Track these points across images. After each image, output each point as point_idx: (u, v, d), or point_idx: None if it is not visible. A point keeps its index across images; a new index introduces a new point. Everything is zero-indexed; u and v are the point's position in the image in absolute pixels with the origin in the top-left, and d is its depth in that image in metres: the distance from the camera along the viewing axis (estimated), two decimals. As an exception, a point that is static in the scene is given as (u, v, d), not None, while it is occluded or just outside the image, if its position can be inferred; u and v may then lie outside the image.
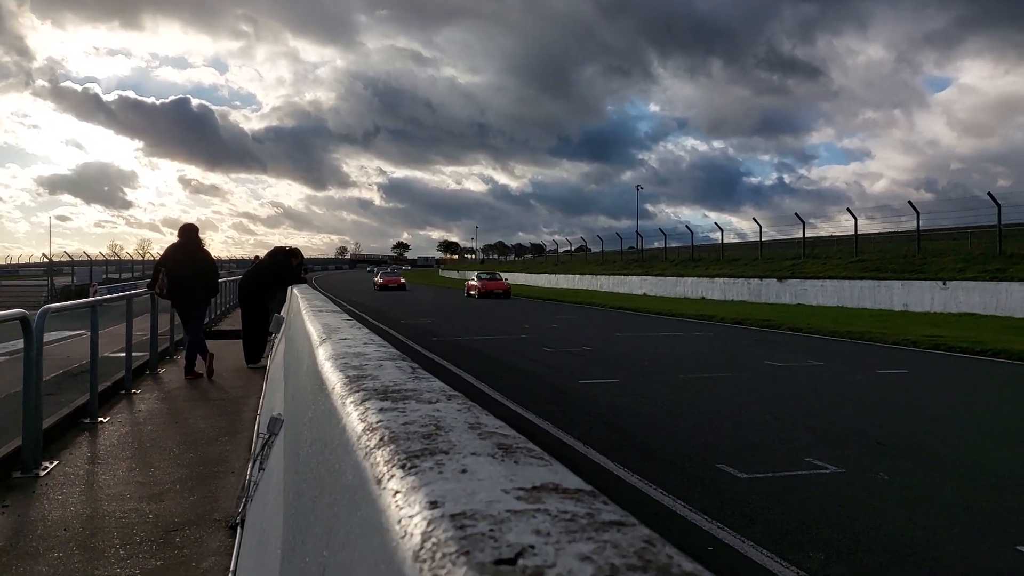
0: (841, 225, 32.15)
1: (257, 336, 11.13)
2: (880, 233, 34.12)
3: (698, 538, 4.36)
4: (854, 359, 13.10)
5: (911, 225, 28.48)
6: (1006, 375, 11.28)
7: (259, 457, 3.59)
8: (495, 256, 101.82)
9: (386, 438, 0.98)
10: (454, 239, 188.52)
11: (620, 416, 8.02)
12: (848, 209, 31.42)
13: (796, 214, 34.07)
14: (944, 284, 22.76)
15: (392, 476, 0.82)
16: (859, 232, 31.48)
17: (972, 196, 25.31)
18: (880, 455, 6.24)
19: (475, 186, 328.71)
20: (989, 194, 24.44)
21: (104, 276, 46.97)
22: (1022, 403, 9.17)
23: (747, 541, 4.24)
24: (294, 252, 12.76)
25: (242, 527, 3.83)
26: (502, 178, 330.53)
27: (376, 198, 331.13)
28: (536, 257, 77.18)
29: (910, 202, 28.18)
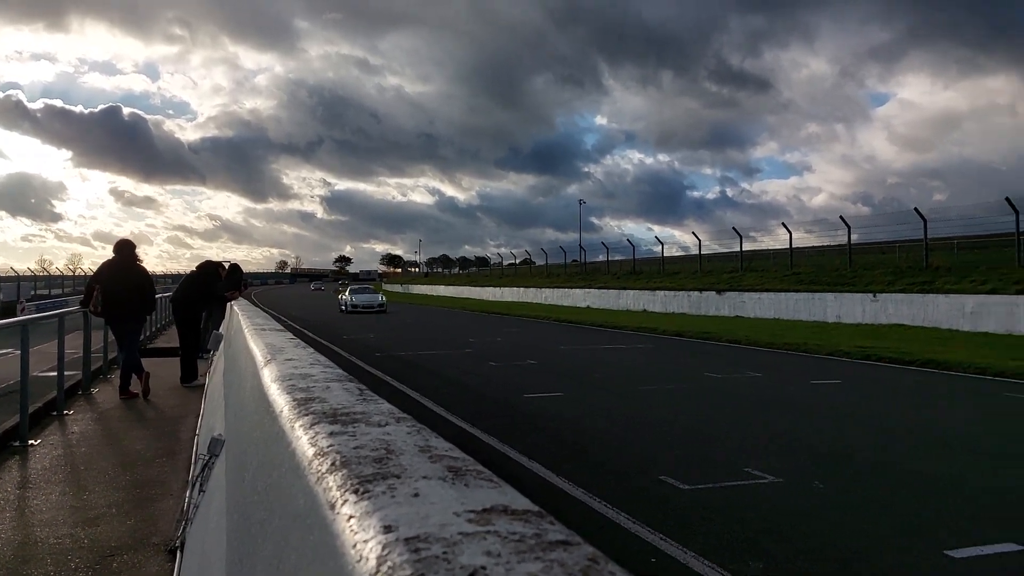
0: (780, 239, 33.01)
1: (190, 353, 10.91)
2: (814, 247, 35.17)
3: (641, 550, 4.43)
4: (790, 370, 13.47)
5: (846, 239, 29.42)
6: (932, 384, 11.74)
7: (199, 479, 3.53)
8: (439, 269, 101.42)
9: (338, 462, 1.00)
10: (398, 252, 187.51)
11: (565, 429, 8.09)
12: (783, 223, 32.31)
13: (734, 228, 34.89)
14: (874, 296, 23.56)
15: (346, 501, 0.85)
16: (794, 246, 32.37)
17: (905, 211, 26.41)
18: (816, 464, 6.44)
19: (421, 198, 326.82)
20: (916, 209, 25.44)
21: (33, 292, 45.30)
22: (948, 411, 9.55)
23: (689, 552, 4.33)
24: (221, 265, 12.57)
25: (182, 551, 3.75)
26: (449, 190, 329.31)
27: (319, 210, 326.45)
28: (481, 270, 77.14)
29: (842, 217, 29.11)
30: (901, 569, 4.13)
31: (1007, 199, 22.16)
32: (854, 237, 29.24)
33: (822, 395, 10.67)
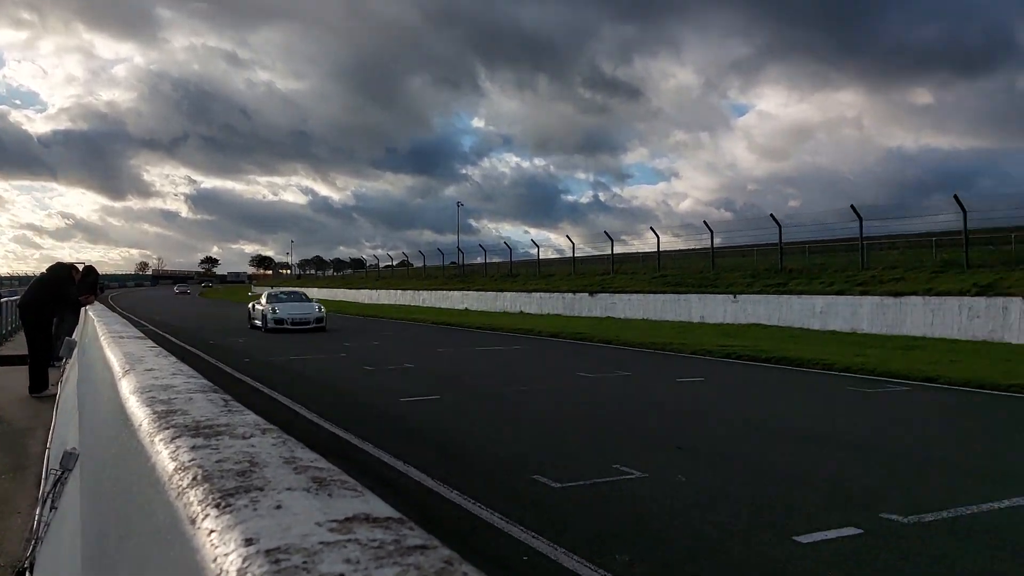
0: (649, 242, 34.27)
1: (40, 361, 10.22)
2: (680, 250, 36.68)
3: (514, 549, 4.52)
4: (657, 369, 14.04)
5: (709, 243, 30.92)
6: (786, 380, 12.54)
7: (51, 495, 3.33)
8: (313, 271, 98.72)
9: (199, 477, 1.00)
10: (268, 253, 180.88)
11: (440, 433, 8.12)
12: (652, 228, 33.67)
13: (606, 232, 35.97)
14: (735, 297, 24.90)
15: (207, 515, 0.85)
16: (662, 249, 33.72)
17: (763, 216, 28.13)
18: (679, 459, 6.76)
19: (293, 198, 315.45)
20: (772, 215, 27.08)
21: None
22: (799, 405, 10.23)
23: (560, 548, 4.46)
24: (74, 266, 11.84)
25: (31, 572, 3.53)
26: (323, 190, 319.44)
27: (183, 209, 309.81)
28: (357, 272, 75.75)
29: (705, 222, 30.59)
30: (753, 555, 4.41)
31: (852, 207, 23.94)
32: (716, 241, 30.78)
33: (687, 392, 11.20)
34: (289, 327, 24.70)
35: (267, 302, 26.30)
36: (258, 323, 26.23)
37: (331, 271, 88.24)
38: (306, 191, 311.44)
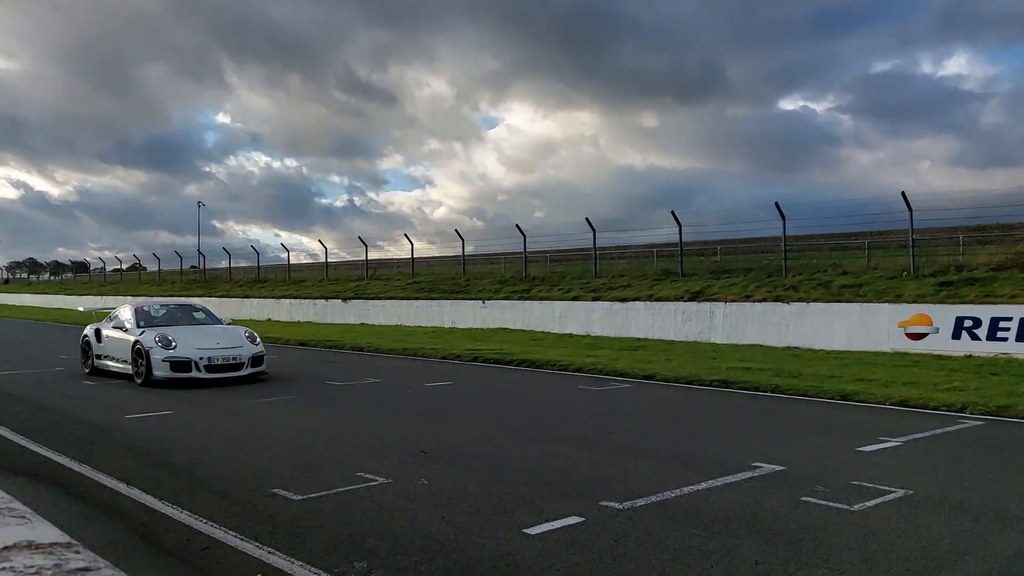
0: (404, 248, 34.53)
1: None
2: (434, 257, 37.39)
3: (249, 567, 4.38)
4: (408, 374, 14.22)
5: (461, 250, 31.82)
6: (526, 381, 13.29)
7: None
8: (24, 275, 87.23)
9: None
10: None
11: (171, 450, 7.61)
12: (406, 235, 33.87)
13: (360, 237, 35.68)
14: (483, 303, 25.87)
15: None
16: (416, 256, 34.14)
17: (510, 226, 29.60)
18: (422, 462, 6.92)
19: (2, 192, 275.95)
20: (517, 226, 28.54)
21: None
22: (536, 405, 10.89)
23: (296, 562, 4.40)
24: None
25: None
26: (39, 183, 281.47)
27: None
28: (79, 277, 68.12)
29: (457, 230, 31.47)
30: (487, 550, 4.66)
31: (587, 219, 25.91)
32: (468, 249, 31.75)
33: (434, 396, 11.47)
34: (203, 376, 12.53)
35: (140, 324, 13.49)
36: (116, 367, 13.62)
37: (48, 275, 78.68)
38: (17, 184, 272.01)
